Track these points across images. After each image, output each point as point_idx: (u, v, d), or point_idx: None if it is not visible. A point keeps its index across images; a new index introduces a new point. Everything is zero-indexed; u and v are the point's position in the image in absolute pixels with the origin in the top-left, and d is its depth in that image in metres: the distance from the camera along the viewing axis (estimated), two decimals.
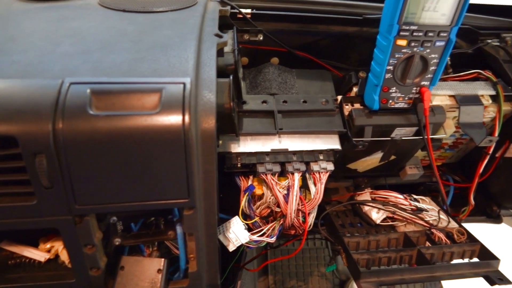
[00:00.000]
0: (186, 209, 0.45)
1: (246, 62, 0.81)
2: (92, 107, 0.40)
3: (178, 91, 0.42)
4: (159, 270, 0.49)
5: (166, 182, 0.42)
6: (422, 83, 0.67)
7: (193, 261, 0.50)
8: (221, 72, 0.61)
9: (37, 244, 0.53)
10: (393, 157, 0.83)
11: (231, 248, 0.64)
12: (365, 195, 0.85)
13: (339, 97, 0.74)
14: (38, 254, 0.52)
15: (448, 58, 0.81)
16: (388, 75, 0.65)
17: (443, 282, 1.35)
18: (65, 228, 0.43)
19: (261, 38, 0.74)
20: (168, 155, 0.41)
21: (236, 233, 0.67)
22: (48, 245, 0.52)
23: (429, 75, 0.66)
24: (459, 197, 0.94)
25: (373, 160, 0.84)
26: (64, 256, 0.51)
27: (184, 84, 0.42)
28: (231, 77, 0.58)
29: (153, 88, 0.42)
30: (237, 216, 0.69)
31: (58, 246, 0.52)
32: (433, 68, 0.65)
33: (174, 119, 0.40)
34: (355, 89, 0.75)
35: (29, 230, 0.52)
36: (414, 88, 0.68)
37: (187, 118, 0.41)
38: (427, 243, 0.77)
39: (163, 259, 0.50)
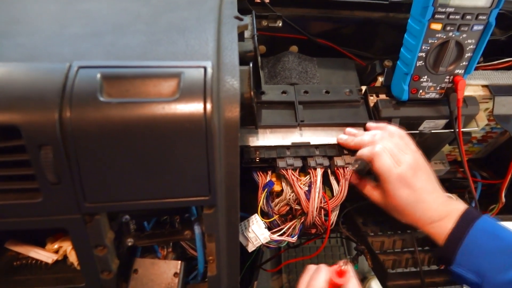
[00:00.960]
0: (206, 208, 0.41)
1: (263, 51, 0.76)
2: (103, 93, 0.35)
3: (198, 76, 0.37)
4: (175, 274, 0.45)
5: (185, 178, 0.38)
6: (456, 71, 0.62)
7: (213, 263, 0.45)
8: (240, 59, 0.56)
9: (44, 244, 0.49)
10: None
11: (251, 248, 0.59)
12: None
13: (364, 88, 0.69)
14: (45, 255, 0.48)
15: None
16: (420, 63, 0.60)
17: None
18: (74, 228, 0.39)
19: (280, 24, 0.69)
20: (188, 147, 0.36)
21: (256, 232, 0.62)
22: (56, 246, 0.48)
23: (464, 63, 0.61)
24: (486, 195, 0.89)
25: None
26: (73, 257, 0.47)
27: (205, 68, 0.38)
28: (251, 65, 0.54)
29: (170, 72, 0.37)
30: (256, 214, 0.65)
31: (67, 247, 0.48)
32: (469, 55, 0.60)
33: (194, 107, 0.36)
34: (380, 79, 0.70)
35: (36, 230, 0.48)
36: (447, 77, 0.62)
37: (209, 106, 0.36)
38: None
39: (179, 262, 0.46)
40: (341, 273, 0.46)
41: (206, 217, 0.41)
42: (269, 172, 0.68)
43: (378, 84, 0.70)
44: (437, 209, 0.57)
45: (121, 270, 0.46)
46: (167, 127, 0.36)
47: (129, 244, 0.47)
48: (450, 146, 0.82)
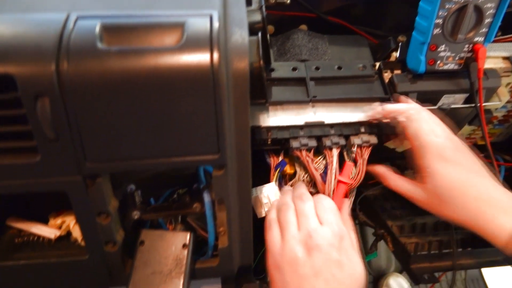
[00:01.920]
0: (215, 169, 0.38)
1: (272, 31, 0.73)
2: (102, 42, 0.33)
3: (204, 24, 0.35)
4: (184, 245, 0.41)
5: (192, 134, 0.35)
6: (476, 39, 0.58)
7: (224, 235, 0.42)
8: (249, 31, 0.54)
9: (47, 221, 0.47)
10: None
11: (263, 213, 0.55)
12: (408, 175, 0.76)
13: (378, 64, 0.66)
14: (47, 231, 0.45)
15: None
16: (437, 30, 0.57)
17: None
18: (75, 192, 0.36)
19: (288, 1, 0.66)
20: (194, 99, 0.34)
21: (270, 197, 0.57)
22: (58, 221, 0.45)
23: (483, 29, 0.57)
24: (510, 180, 0.84)
25: None
26: (76, 233, 0.45)
27: (211, 16, 0.35)
28: (259, 34, 0.51)
29: (174, 21, 0.35)
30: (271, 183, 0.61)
31: (70, 221, 0.45)
32: (488, 20, 0.57)
33: (200, 56, 0.33)
34: (394, 54, 0.67)
35: (38, 206, 0.46)
36: (466, 46, 0.59)
37: (216, 55, 0.33)
38: None
39: (188, 233, 0.42)
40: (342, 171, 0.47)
41: (215, 180, 0.38)
42: (281, 154, 0.65)
43: (392, 60, 0.67)
44: (500, 199, 0.43)
45: (127, 243, 0.43)
46: (171, 78, 0.33)
47: (135, 217, 0.44)
48: (470, 126, 0.78)
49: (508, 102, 0.72)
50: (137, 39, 0.34)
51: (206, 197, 0.41)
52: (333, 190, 0.63)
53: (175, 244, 0.41)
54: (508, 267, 0.66)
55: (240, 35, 0.36)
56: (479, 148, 0.87)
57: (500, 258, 0.60)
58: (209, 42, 0.34)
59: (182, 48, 0.33)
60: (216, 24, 0.35)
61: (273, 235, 0.43)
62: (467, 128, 0.80)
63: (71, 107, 0.33)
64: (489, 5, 0.55)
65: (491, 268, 0.65)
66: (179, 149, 0.35)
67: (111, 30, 0.34)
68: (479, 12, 0.56)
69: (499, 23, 0.57)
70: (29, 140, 0.34)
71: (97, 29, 0.33)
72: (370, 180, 0.83)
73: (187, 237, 0.42)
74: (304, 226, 0.43)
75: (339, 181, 0.45)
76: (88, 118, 0.33)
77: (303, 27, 0.74)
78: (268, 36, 0.66)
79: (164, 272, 0.40)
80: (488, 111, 0.72)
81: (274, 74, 0.62)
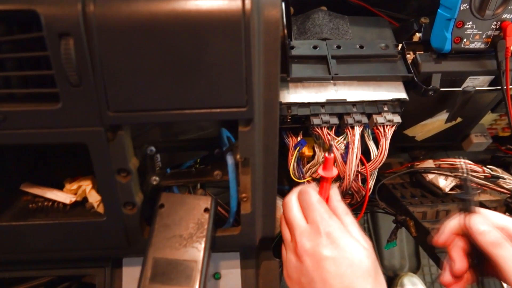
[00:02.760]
0: (241, 125, 0.36)
1: (292, 12, 0.72)
2: None
3: None
4: (206, 210, 0.39)
5: (219, 84, 0.33)
6: (504, 16, 0.56)
7: (247, 202, 0.40)
8: None
9: (62, 188, 0.45)
10: (459, 119, 0.72)
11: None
12: (428, 163, 0.73)
13: (400, 45, 0.64)
14: (63, 196, 0.44)
15: None
16: (464, 6, 0.55)
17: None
18: (96, 145, 0.34)
19: None
20: (224, 46, 0.32)
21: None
22: (74, 186, 0.44)
23: None
24: None
25: (436, 123, 0.73)
26: (93, 198, 0.43)
27: None
28: (283, 3, 0.50)
29: None
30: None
31: (86, 186, 0.43)
32: None
33: (232, 1, 0.32)
34: (418, 35, 0.66)
35: (54, 172, 0.44)
36: (494, 23, 0.57)
37: (248, 1, 0.32)
38: (507, 214, 0.65)
39: (210, 197, 0.40)
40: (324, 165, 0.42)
41: (241, 136, 0.36)
42: (300, 134, 0.63)
43: (416, 40, 0.65)
44: None
45: (146, 210, 0.41)
46: (200, 22, 0.31)
47: (154, 182, 0.42)
48: (492, 115, 0.76)
49: None
50: None
51: (230, 160, 0.39)
52: (354, 172, 0.61)
53: (197, 208, 0.39)
54: None
55: None
56: (501, 140, 0.85)
57: None
58: None
59: None
60: None
61: (282, 248, 0.43)
62: (488, 118, 0.78)
63: (95, 50, 0.31)
64: None
65: None
66: (204, 100, 0.34)
67: None
68: None
69: None
70: (51, 86, 0.32)
71: None
72: (385, 169, 0.82)
73: (209, 201, 0.40)
74: (293, 234, 0.41)
75: (321, 177, 0.42)
76: (113, 63, 0.32)
77: (324, 8, 0.72)
78: (290, 8, 0.65)
79: (185, 235, 0.38)
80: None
81: (294, 52, 0.61)
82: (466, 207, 0.40)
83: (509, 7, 0.56)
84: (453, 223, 0.43)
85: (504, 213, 0.66)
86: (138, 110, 0.34)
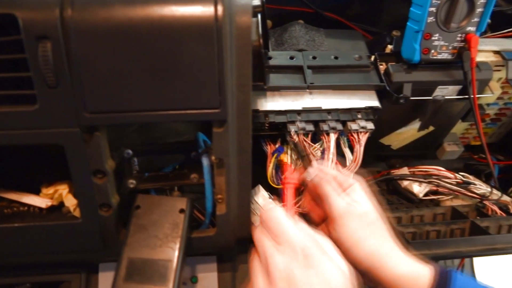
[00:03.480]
0: (215, 126, 0.37)
1: (270, 25, 0.75)
2: None
3: None
4: (181, 210, 0.40)
5: (193, 86, 0.35)
6: (468, 28, 0.60)
7: (222, 203, 0.41)
8: None
9: (39, 192, 0.45)
10: (431, 128, 0.75)
11: (257, 220, 0.55)
12: (403, 170, 0.76)
13: (374, 56, 0.67)
14: (39, 201, 0.44)
15: (489, 21, 0.75)
16: (431, 19, 0.59)
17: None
18: (72, 146, 0.35)
19: None
20: (197, 51, 0.34)
21: (260, 204, 0.58)
22: (51, 191, 0.44)
23: (475, 19, 0.59)
24: (503, 180, 0.84)
25: (409, 132, 0.76)
26: (69, 202, 0.43)
27: None
28: (259, 16, 0.52)
29: None
30: (259, 185, 0.60)
31: (63, 190, 0.44)
32: (480, 10, 0.58)
33: (205, 8, 0.33)
34: (389, 47, 0.69)
35: (30, 178, 0.44)
36: (459, 35, 0.61)
37: (220, 8, 0.34)
38: (478, 218, 0.67)
39: (186, 198, 0.41)
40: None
41: (215, 138, 0.37)
42: (278, 141, 0.65)
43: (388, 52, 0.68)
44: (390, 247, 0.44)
45: (122, 213, 0.41)
46: (175, 27, 0.33)
47: (131, 185, 0.43)
48: (463, 125, 0.79)
49: (499, 98, 0.74)
50: None
51: (205, 161, 0.41)
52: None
53: (172, 209, 0.40)
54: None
55: None
56: (473, 149, 0.89)
57: (497, 246, 0.60)
58: None
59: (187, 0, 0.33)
60: None
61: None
62: (460, 127, 0.81)
63: (73, 53, 0.32)
64: None
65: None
66: (179, 102, 0.35)
67: None
68: (471, 1, 0.57)
69: (489, 13, 0.59)
70: (29, 87, 0.33)
71: None
72: (366, 177, 0.83)
73: (184, 202, 0.41)
74: (262, 255, 0.37)
75: (285, 184, 0.44)
76: (90, 65, 0.33)
77: (301, 21, 0.75)
78: (266, 20, 0.67)
79: (160, 236, 0.39)
80: (480, 107, 0.73)
81: (272, 62, 0.63)
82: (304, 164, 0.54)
83: (472, 20, 0.59)
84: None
85: (476, 217, 0.68)
86: (114, 111, 0.35)
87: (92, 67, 0.33)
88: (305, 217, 0.50)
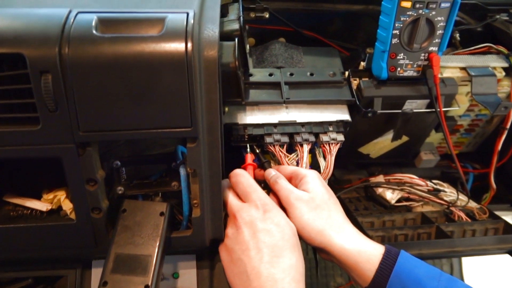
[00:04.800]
0: (189, 142, 0.46)
1: (253, 43, 0.84)
2: (98, 30, 0.42)
3: (181, 19, 0.44)
4: (161, 213, 0.49)
5: (169, 109, 0.43)
6: (430, 48, 0.68)
7: (197, 207, 0.50)
8: (227, 38, 0.64)
9: (40, 198, 0.54)
10: (406, 138, 0.83)
11: None
12: (379, 178, 0.84)
13: (347, 72, 0.75)
14: (40, 205, 0.53)
15: (457, 35, 0.83)
16: (395, 40, 0.67)
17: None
18: (68, 158, 0.44)
19: (267, 15, 0.77)
20: (172, 80, 0.42)
21: None
22: (50, 196, 0.53)
23: (436, 40, 0.67)
24: (479, 188, 0.92)
25: (385, 142, 0.84)
26: (66, 206, 0.52)
27: (187, 13, 0.45)
28: (236, 40, 0.61)
29: (157, 16, 0.44)
30: None
31: (61, 196, 0.52)
32: (440, 32, 0.67)
33: (177, 44, 0.42)
34: (362, 63, 0.77)
35: (33, 184, 0.53)
36: (423, 54, 0.69)
37: (189, 44, 0.42)
38: (447, 223, 0.75)
39: (166, 203, 0.50)
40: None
41: (189, 152, 0.46)
42: (258, 150, 0.73)
43: (361, 68, 0.77)
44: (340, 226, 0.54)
45: (111, 216, 0.50)
46: (152, 61, 0.42)
47: (120, 192, 0.51)
48: (439, 135, 0.87)
49: (470, 110, 0.82)
50: (127, 29, 0.43)
51: (182, 171, 0.49)
52: None
53: (154, 212, 0.49)
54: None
55: (212, 29, 0.45)
56: (451, 158, 0.96)
57: (457, 249, 0.67)
58: (184, 33, 0.43)
59: (162, 37, 0.42)
60: (191, 20, 0.44)
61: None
62: (437, 137, 0.89)
63: (69, 83, 0.41)
64: (439, 18, 0.65)
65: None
66: (157, 122, 0.44)
67: (106, 22, 0.43)
68: (431, 24, 0.66)
69: (449, 34, 0.67)
70: (33, 111, 0.42)
71: (94, 21, 0.43)
72: (346, 184, 0.92)
73: (164, 206, 0.49)
74: (233, 211, 0.52)
75: (246, 166, 0.64)
76: (83, 93, 0.42)
77: (282, 39, 0.84)
78: (247, 44, 0.76)
79: (143, 235, 0.47)
80: (451, 118, 0.81)
81: (252, 79, 0.72)
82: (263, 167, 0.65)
83: (434, 41, 0.67)
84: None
85: (445, 221, 0.76)
86: (103, 130, 0.43)
87: (85, 94, 0.42)
88: None
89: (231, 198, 0.53)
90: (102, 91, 0.42)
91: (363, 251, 0.51)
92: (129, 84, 0.42)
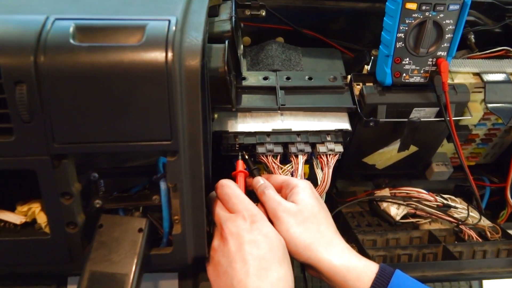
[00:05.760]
0: (169, 156, 0.49)
1: (248, 42, 0.87)
2: (75, 39, 0.46)
3: (162, 26, 0.48)
4: (140, 230, 0.52)
5: (148, 121, 0.47)
6: (439, 53, 0.71)
7: (178, 223, 0.53)
8: (218, 39, 0.67)
9: (14, 210, 0.58)
10: (414, 148, 0.86)
11: None
12: (384, 192, 0.87)
13: (349, 76, 0.78)
14: (14, 217, 0.57)
15: (472, 36, 0.86)
16: (400, 44, 0.70)
17: None
18: (43, 171, 0.48)
19: (263, 14, 0.80)
20: (150, 91, 0.46)
21: None
22: (25, 208, 0.57)
23: (445, 44, 0.70)
24: (497, 204, 0.94)
25: (392, 152, 0.87)
26: (41, 219, 0.56)
27: (169, 21, 0.48)
28: (226, 42, 0.64)
29: (137, 24, 0.48)
30: None
31: (35, 208, 0.56)
32: (449, 35, 0.70)
33: (157, 53, 0.46)
34: (366, 67, 0.80)
35: (6, 196, 0.57)
36: (430, 60, 0.72)
37: (170, 53, 0.46)
38: (456, 242, 0.78)
39: (145, 219, 0.53)
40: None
41: (169, 166, 0.50)
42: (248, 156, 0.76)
43: (364, 72, 0.80)
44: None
45: (87, 229, 0.54)
46: (131, 71, 0.45)
47: (97, 205, 0.55)
48: (452, 145, 0.90)
49: (486, 119, 0.84)
50: (105, 38, 0.47)
51: (163, 185, 0.53)
52: None
53: (132, 228, 0.52)
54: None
55: (195, 38, 0.49)
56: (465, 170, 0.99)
57: (464, 271, 0.70)
58: (165, 42, 0.46)
59: (142, 46, 0.46)
60: (173, 28, 0.48)
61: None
62: (450, 147, 0.91)
63: (44, 94, 0.45)
64: (447, 21, 0.68)
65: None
66: (136, 134, 0.47)
67: (83, 30, 0.47)
68: (439, 27, 0.69)
69: (459, 38, 0.70)
70: (6, 122, 0.46)
71: (71, 28, 0.46)
72: (350, 196, 0.95)
73: (143, 222, 0.53)
74: (219, 222, 0.55)
75: (237, 173, 0.68)
76: (59, 104, 0.46)
77: (280, 39, 0.88)
78: (241, 45, 0.80)
79: (119, 252, 0.51)
80: (464, 128, 0.83)
81: (245, 83, 0.75)
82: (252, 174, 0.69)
83: (442, 46, 0.70)
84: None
85: (454, 241, 0.79)
86: (79, 142, 0.47)
87: (60, 105, 0.46)
88: None
89: (218, 209, 0.57)
90: (78, 102, 0.46)
91: (353, 268, 0.54)
92: (107, 95, 0.46)
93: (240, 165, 0.70)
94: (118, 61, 0.45)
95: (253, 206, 0.57)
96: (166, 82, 0.46)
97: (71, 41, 0.45)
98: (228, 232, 0.53)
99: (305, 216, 0.57)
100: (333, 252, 0.55)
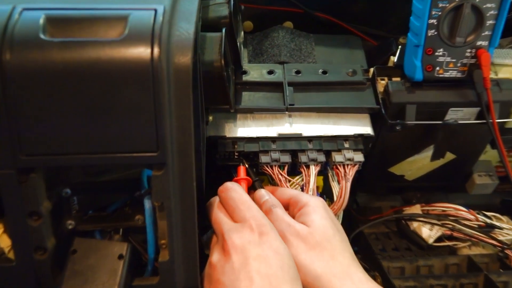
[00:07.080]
0: (155, 169, 0.52)
1: (250, 28, 0.90)
2: (46, 33, 0.49)
3: (147, 17, 0.50)
4: (120, 256, 0.55)
5: (130, 129, 0.50)
6: (479, 43, 0.73)
7: (165, 249, 0.56)
8: (214, 27, 0.70)
9: None
10: (451, 156, 0.88)
11: None
12: (415, 208, 0.89)
13: (372, 69, 0.80)
14: None
15: None
16: (432, 32, 0.72)
17: None
18: (7, 187, 0.51)
19: None
20: (133, 94, 0.49)
21: None
22: None
23: (486, 32, 0.72)
24: None
25: (424, 161, 0.89)
26: (4, 243, 0.59)
27: (155, 10, 0.51)
28: (223, 31, 0.67)
29: (118, 14, 0.51)
30: None
31: None
32: (490, 22, 0.72)
33: (140, 49, 0.49)
34: (392, 58, 0.82)
35: None
36: (468, 50, 0.74)
37: (156, 49, 0.49)
38: (501, 270, 0.80)
39: (126, 243, 0.56)
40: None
41: (155, 181, 0.52)
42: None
43: (390, 65, 0.82)
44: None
45: (58, 254, 0.57)
46: (111, 70, 0.48)
47: (70, 227, 0.58)
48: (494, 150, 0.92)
49: None
50: (80, 31, 0.49)
51: (147, 204, 0.56)
52: None
53: (111, 254, 0.55)
54: None
55: (186, 30, 0.52)
56: None
57: None
58: (150, 36, 0.49)
59: (124, 41, 0.49)
60: (160, 19, 0.50)
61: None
62: (495, 154, 0.93)
63: (10, 97, 0.48)
64: (489, 5, 0.70)
65: None
66: (116, 145, 0.50)
67: (55, 22, 0.50)
68: (479, 12, 0.71)
69: (502, 25, 0.72)
70: None
71: (41, 21, 0.49)
72: (373, 214, 0.97)
73: (124, 248, 0.56)
74: (221, 232, 0.57)
75: (239, 180, 0.71)
76: (26, 109, 0.48)
77: (288, 24, 0.90)
78: (241, 32, 0.82)
79: (96, 283, 0.53)
80: (510, 130, 0.85)
81: (246, 78, 0.78)
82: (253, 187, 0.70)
83: (482, 34, 0.73)
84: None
85: (499, 269, 0.81)
86: (50, 154, 0.50)
87: (28, 110, 0.48)
88: None
89: (220, 216, 0.59)
90: (49, 107, 0.49)
91: None
92: (82, 99, 0.49)
93: (242, 171, 0.72)
94: (96, 59, 0.48)
95: (262, 215, 0.58)
96: (152, 83, 0.49)
97: (41, 35, 0.48)
98: (231, 244, 0.54)
99: (317, 240, 0.59)
100: (349, 284, 0.57)
